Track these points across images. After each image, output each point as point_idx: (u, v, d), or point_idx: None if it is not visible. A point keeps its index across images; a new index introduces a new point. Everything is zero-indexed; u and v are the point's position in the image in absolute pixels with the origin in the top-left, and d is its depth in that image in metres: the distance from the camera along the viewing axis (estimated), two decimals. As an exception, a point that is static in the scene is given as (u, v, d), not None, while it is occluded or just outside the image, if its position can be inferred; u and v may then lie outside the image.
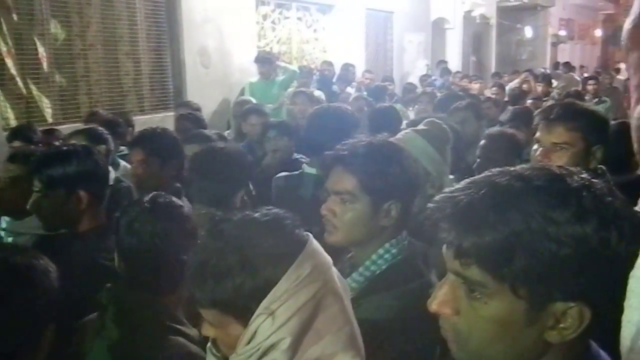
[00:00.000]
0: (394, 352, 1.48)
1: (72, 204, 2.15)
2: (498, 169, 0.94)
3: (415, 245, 1.75)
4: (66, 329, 1.69)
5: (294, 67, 8.05)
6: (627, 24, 0.33)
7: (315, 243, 1.23)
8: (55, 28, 6.14)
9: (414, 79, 10.87)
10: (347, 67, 9.01)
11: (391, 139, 2.37)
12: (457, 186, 0.94)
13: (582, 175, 0.92)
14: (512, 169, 0.93)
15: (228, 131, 5.66)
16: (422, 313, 1.01)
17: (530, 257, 0.85)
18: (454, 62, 14.04)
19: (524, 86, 9.62)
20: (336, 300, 1.19)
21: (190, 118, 4.55)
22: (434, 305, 0.96)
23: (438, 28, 13.91)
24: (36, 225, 2.34)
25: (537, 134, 2.28)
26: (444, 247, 0.94)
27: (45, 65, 6.00)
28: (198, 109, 5.54)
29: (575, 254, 0.85)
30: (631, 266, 0.88)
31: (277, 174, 3.08)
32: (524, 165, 0.95)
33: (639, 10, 0.33)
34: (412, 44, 12.70)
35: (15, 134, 4.20)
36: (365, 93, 8.07)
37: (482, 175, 0.95)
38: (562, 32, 21.03)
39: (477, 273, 0.90)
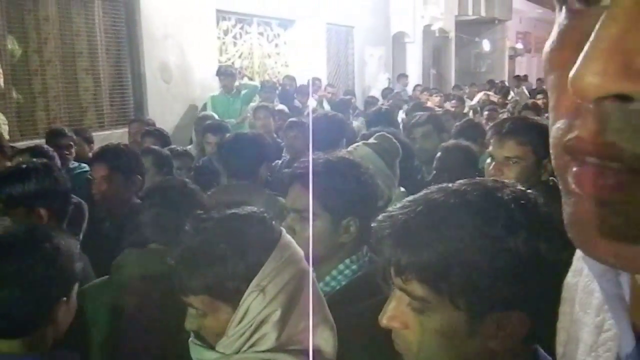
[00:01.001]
0: None
1: (33, 222, 2.14)
2: (436, 186, 1.00)
3: (376, 261, 1.75)
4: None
5: (255, 82, 8.08)
6: (546, 47, 0.37)
7: (288, 236, 1.35)
8: (12, 44, 6.05)
9: (375, 93, 11.01)
10: (314, 81, 9.11)
11: (343, 151, 2.43)
12: (398, 205, 0.99)
13: (514, 188, 0.98)
14: (449, 185, 0.98)
15: (190, 146, 5.65)
16: (378, 330, 1.04)
17: (466, 271, 0.90)
18: (415, 75, 14.26)
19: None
20: (312, 282, 1.30)
21: (155, 134, 4.55)
22: (384, 319, 1.00)
23: (398, 42, 14.13)
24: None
25: (490, 148, 2.34)
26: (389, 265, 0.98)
27: (1, 82, 5.90)
28: (153, 124, 5.52)
29: (508, 265, 0.90)
30: (565, 273, 0.93)
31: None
32: (461, 181, 1.00)
33: (556, 35, 0.37)
34: (373, 57, 12.86)
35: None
36: (328, 107, 8.15)
37: (421, 192, 1.00)
38: (519, 45, 21.56)
39: (418, 288, 0.94)
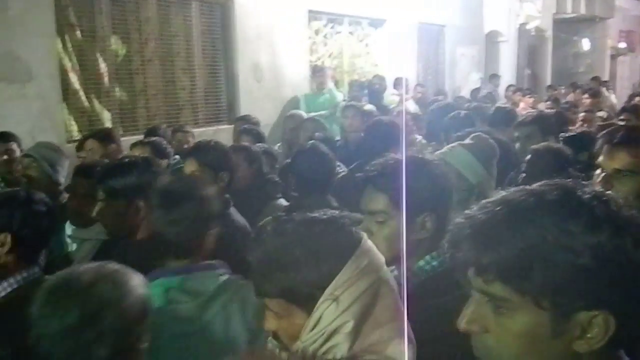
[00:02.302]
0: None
1: (132, 213, 2.27)
2: (514, 188, 0.99)
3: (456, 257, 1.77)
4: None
5: (339, 95, 8.11)
6: None
7: (370, 242, 1.33)
8: (115, 44, 6.41)
9: (466, 93, 10.80)
10: (399, 81, 9.09)
11: (437, 152, 2.43)
12: (475, 207, 0.99)
13: (593, 188, 0.96)
14: (527, 187, 0.98)
15: (279, 144, 5.78)
16: (456, 325, 1.03)
17: (549, 269, 0.89)
18: (508, 75, 13.87)
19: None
20: (391, 292, 1.29)
21: (252, 133, 4.71)
22: (462, 324, 1.00)
23: (491, 41, 13.78)
24: (99, 231, 2.48)
25: (600, 159, 2.17)
26: (468, 266, 0.98)
27: (106, 80, 6.26)
28: (257, 123, 5.68)
29: (592, 262, 0.88)
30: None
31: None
32: (539, 182, 0.99)
33: None
34: (464, 57, 12.62)
35: (81, 146, 4.40)
36: (414, 106, 8.10)
37: (499, 194, 1.00)
38: (622, 45, 20.48)
39: (499, 289, 0.94)
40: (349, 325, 1.21)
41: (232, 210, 2.90)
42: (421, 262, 1.71)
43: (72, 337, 1.27)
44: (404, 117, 5.35)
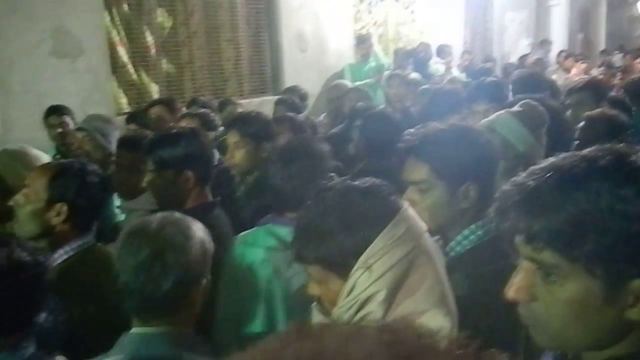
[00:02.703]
0: (470, 328, 1.50)
1: (180, 183, 2.32)
2: (565, 153, 0.97)
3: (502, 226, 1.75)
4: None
5: (384, 59, 8.02)
6: None
7: (411, 210, 1.32)
8: (161, 17, 6.47)
9: (515, 59, 10.53)
10: (443, 48, 8.91)
11: (484, 120, 2.38)
12: (524, 174, 0.97)
13: None
14: (578, 152, 0.95)
15: (323, 114, 5.77)
16: (501, 294, 1.03)
17: (601, 236, 0.87)
18: (560, 40, 13.42)
19: None
20: (429, 261, 1.28)
21: (287, 102, 4.71)
22: (510, 292, 0.99)
23: (542, 5, 13.33)
24: (148, 202, 2.54)
25: None
26: (516, 234, 0.96)
27: (153, 53, 6.35)
28: (304, 95, 5.68)
29: None
30: None
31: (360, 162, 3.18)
32: (590, 148, 0.96)
33: None
34: (513, 22, 12.26)
35: (131, 118, 4.51)
36: (464, 74, 7.94)
37: (549, 160, 0.97)
38: (681, 6, 19.54)
39: (549, 256, 0.92)
40: (382, 294, 1.22)
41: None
42: (466, 232, 1.70)
43: (143, 271, 1.48)
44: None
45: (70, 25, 5.39)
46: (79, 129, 3.78)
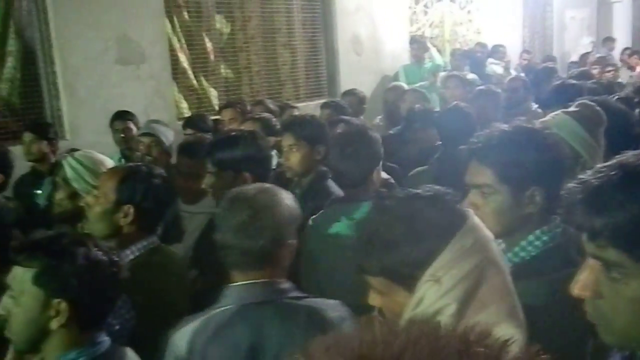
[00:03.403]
0: (540, 338, 1.48)
1: (238, 184, 2.37)
2: (631, 152, 0.96)
3: (569, 232, 1.67)
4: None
5: (440, 59, 7.94)
6: None
7: (476, 218, 1.27)
8: (220, 23, 6.62)
9: (576, 58, 10.26)
10: (497, 48, 8.76)
11: (539, 121, 2.35)
12: (589, 172, 0.96)
13: None
14: None
15: (379, 117, 5.78)
16: (572, 302, 1.02)
17: None
18: (623, 37, 12.99)
19: None
20: (498, 272, 1.23)
21: (332, 105, 4.77)
22: (575, 289, 0.98)
23: (604, 2, 12.94)
24: (211, 204, 2.62)
25: None
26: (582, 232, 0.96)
27: (212, 58, 6.50)
28: (363, 99, 5.70)
29: None
30: None
31: (417, 165, 3.18)
32: None
33: None
34: (574, 20, 11.96)
35: (188, 123, 4.63)
36: (522, 74, 7.80)
37: (615, 158, 0.97)
38: None
39: (613, 254, 0.92)
40: (452, 308, 1.16)
41: (330, 182, 2.97)
42: (530, 237, 1.66)
43: (242, 229, 1.68)
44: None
45: (133, 34, 5.59)
46: (145, 134, 3.91)
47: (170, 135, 3.89)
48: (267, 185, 1.89)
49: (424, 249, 1.19)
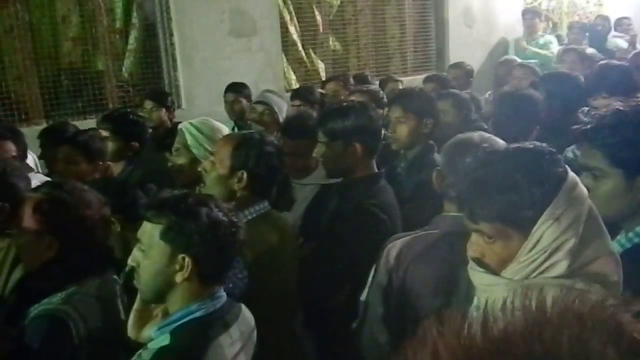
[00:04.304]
0: None
1: (349, 154, 2.42)
2: None
3: None
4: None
5: (554, 40, 7.51)
6: None
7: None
8: (330, -5, 6.65)
9: None
10: (620, 21, 8.21)
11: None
12: None
13: None
14: None
15: (489, 92, 5.62)
16: None
17: None
18: None
19: None
20: (596, 215, 1.33)
21: (435, 79, 4.71)
22: None
23: None
24: (319, 176, 2.69)
25: None
26: None
27: (321, 31, 6.56)
28: (470, 72, 5.59)
29: None
30: None
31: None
32: None
33: None
34: None
35: (296, 95, 4.72)
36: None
37: None
38: None
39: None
40: (570, 242, 1.25)
41: (436, 156, 2.94)
42: None
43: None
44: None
45: (246, 6, 5.74)
46: (259, 102, 4.05)
47: (284, 106, 3.99)
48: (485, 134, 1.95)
49: (542, 192, 1.25)
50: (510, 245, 1.30)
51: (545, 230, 1.26)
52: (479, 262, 1.36)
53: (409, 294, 1.71)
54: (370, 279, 1.90)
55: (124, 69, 5.52)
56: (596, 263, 1.28)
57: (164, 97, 4.68)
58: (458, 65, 5.64)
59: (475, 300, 1.43)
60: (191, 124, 2.83)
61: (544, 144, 1.36)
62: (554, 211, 1.26)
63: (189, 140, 2.75)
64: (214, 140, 2.70)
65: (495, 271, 1.34)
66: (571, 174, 1.32)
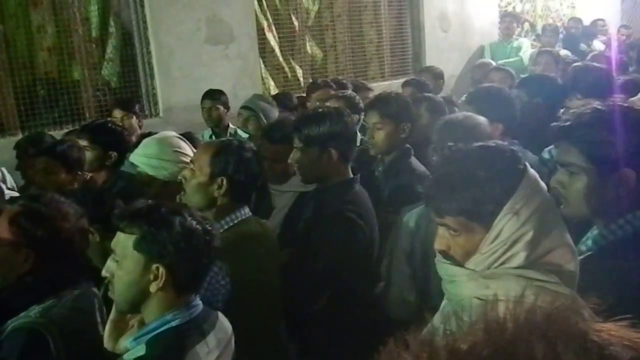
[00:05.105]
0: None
1: (324, 160, 2.43)
2: None
3: None
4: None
5: (527, 43, 7.60)
6: None
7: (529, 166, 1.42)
8: (307, 2, 6.66)
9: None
10: (596, 22, 8.34)
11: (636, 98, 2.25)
12: None
13: None
14: None
15: (466, 95, 5.67)
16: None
17: None
18: None
19: None
20: (553, 207, 1.41)
21: (413, 83, 4.75)
22: None
23: None
24: (298, 183, 2.69)
25: None
26: None
27: (298, 37, 6.58)
28: (440, 75, 5.63)
29: None
30: None
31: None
32: None
33: None
34: (680, -9, 11.17)
35: (274, 100, 4.73)
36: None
37: None
38: None
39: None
40: (529, 235, 1.31)
41: (413, 160, 2.97)
42: (621, 221, 1.62)
43: None
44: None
45: (223, 14, 5.73)
46: (245, 107, 4.05)
47: (272, 112, 4.00)
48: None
49: (502, 187, 1.32)
50: (473, 238, 1.36)
51: (505, 224, 1.32)
52: (445, 254, 1.41)
53: (431, 253, 1.74)
54: (387, 249, 2.26)
55: (103, 77, 5.49)
56: (553, 253, 1.33)
57: (132, 105, 4.68)
58: (427, 69, 5.70)
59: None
60: (139, 154, 2.77)
61: (505, 143, 1.44)
62: (514, 205, 1.32)
63: (149, 171, 2.72)
64: (169, 155, 2.69)
65: (460, 263, 1.39)
66: (530, 170, 1.38)
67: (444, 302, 1.50)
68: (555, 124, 1.75)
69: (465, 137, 2.51)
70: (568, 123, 1.67)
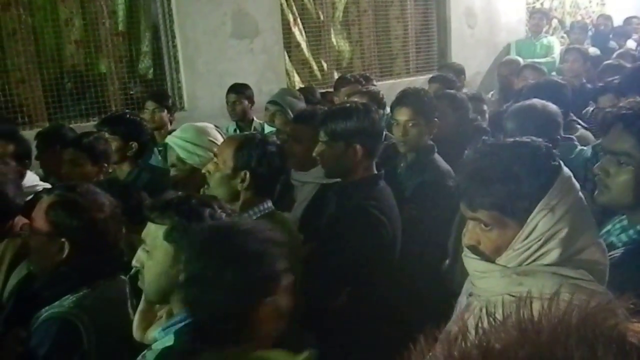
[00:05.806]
0: None
1: (349, 155, 2.42)
2: None
3: None
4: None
5: (557, 42, 7.50)
6: None
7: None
8: (333, -3, 6.65)
9: None
10: (630, 20, 8.19)
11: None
12: None
13: None
14: None
15: (492, 92, 5.62)
16: None
17: None
18: None
19: None
20: (586, 206, 1.39)
21: (440, 79, 4.70)
22: None
23: None
24: (319, 175, 2.68)
25: None
26: None
27: (324, 32, 6.56)
28: (461, 71, 5.59)
29: None
30: None
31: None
32: None
33: None
34: None
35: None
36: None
37: None
38: None
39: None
40: (564, 232, 1.30)
41: (437, 157, 2.94)
42: None
43: None
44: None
45: (248, 8, 5.74)
46: (272, 102, 4.07)
47: (299, 107, 4.00)
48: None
49: (538, 183, 1.31)
50: (505, 233, 1.34)
51: (540, 220, 1.31)
52: (474, 249, 1.39)
53: None
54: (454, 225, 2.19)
55: (138, 70, 5.56)
56: (586, 252, 1.32)
57: (165, 98, 4.69)
58: (449, 66, 5.66)
59: (465, 285, 1.47)
60: (176, 136, 2.83)
61: (540, 139, 1.40)
62: (549, 202, 1.30)
63: (182, 154, 2.76)
64: (205, 143, 2.73)
65: (489, 258, 1.37)
66: (565, 167, 1.37)
67: (466, 298, 1.49)
68: (608, 109, 1.72)
69: (546, 124, 2.55)
70: (629, 111, 1.65)
